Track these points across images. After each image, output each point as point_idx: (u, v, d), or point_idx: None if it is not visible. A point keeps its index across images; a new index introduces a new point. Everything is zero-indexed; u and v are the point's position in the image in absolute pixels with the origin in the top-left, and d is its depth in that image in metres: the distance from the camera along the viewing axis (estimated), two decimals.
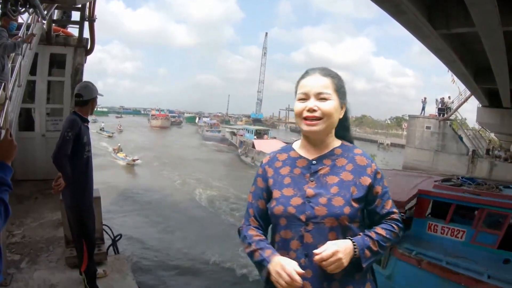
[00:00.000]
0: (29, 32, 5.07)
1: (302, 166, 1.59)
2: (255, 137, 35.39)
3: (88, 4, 7.22)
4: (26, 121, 7.33)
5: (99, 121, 60.15)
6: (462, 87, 22.95)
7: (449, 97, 26.28)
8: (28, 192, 6.36)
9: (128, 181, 22.50)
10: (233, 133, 42.09)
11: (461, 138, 24.42)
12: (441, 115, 25.64)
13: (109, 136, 46.06)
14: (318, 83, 1.54)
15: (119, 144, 30.45)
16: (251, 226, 1.65)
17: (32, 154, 7.00)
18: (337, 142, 1.63)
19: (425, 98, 27.56)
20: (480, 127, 27.22)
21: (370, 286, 1.55)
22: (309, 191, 1.50)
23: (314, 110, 1.50)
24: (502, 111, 22.31)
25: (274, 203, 1.55)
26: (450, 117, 25.39)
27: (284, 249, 1.51)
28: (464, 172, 21.97)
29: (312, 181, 1.53)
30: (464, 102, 24.94)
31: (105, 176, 19.21)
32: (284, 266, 1.38)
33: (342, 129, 1.66)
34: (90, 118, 3.57)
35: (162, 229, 13.20)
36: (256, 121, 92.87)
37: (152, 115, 72.78)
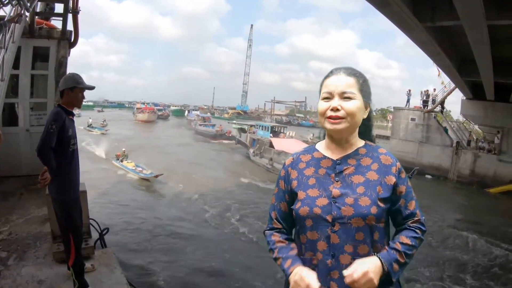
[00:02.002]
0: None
1: (326, 167, 1.58)
2: (271, 135, 29.80)
3: None
4: (9, 116, 7.20)
5: (83, 115, 56.84)
6: (447, 79, 23.20)
7: (434, 90, 26.63)
8: (13, 188, 6.26)
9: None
10: (242, 130, 36.01)
11: (446, 130, 24.73)
12: (426, 107, 25.96)
13: (103, 134, 39.88)
14: (343, 82, 1.54)
15: (123, 149, 23.18)
16: (274, 231, 1.67)
17: (16, 150, 6.88)
18: (360, 142, 1.63)
19: (409, 90, 27.89)
20: (464, 119, 27.52)
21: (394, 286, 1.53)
22: (335, 191, 1.50)
23: (338, 110, 1.50)
24: (485, 103, 22.65)
25: (299, 204, 1.55)
26: (435, 109, 25.70)
27: (311, 250, 1.52)
28: (448, 164, 22.29)
29: (337, 181, 1.53)
30: (448, 94, 25.32)
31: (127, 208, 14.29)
32: (302, 278, 1.42)
33: (365, 129, 1.66)
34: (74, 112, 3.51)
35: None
36: (242, 113, 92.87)
37: (137, 108, 69.16)
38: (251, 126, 34.62)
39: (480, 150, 23.29)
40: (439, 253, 11.65)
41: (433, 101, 26.04)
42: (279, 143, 26.42)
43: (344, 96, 1.50)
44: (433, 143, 24.73)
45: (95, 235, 4.93)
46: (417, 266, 10.01)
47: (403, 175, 1.56)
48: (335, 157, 1.58)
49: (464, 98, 24.56)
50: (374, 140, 1.70)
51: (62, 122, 3.23)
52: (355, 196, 1.47)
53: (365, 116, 1.59)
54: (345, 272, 1.39)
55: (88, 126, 43.54)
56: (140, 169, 20.61)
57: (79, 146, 3.71)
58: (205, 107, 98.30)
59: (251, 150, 28.79)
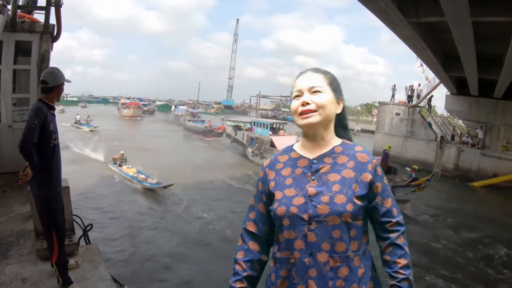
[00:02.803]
0: None
1: (303, 166, 1.59)
2: (271, 132, 27.34)
3: None
4: None
5: (67, 111, 55.49)
6: (431, 75, 23.45)
7: (418, 85, 26.92)
8: None
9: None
10: (238, 127, 33.42)
11: (430, 125, 25.03)
12: (410, 102, 26.24)
13: (91, 131, 38.05)
14: (310, 78, 1.58)
15: (122, 152, 20.61)
16: (245, 243, 1.69)
17: None
18: (337, 141, 1.64)
19: (394, 85, 28.25)
20: (449, 114, 27.84)
21: (373, 284, 1.56)
22: (311, 190, 1.51)
23: (308, 103, 1.52)
24: (469, 99, 23.04)
25: (277, 204, 1.56)
26: (420, 104, 25.99)
27: (288, 250, 1.53)
28: (433, 158, 22.55)
29: (313, 180, 1.54)
30: (432, 90, 25.64)
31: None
32: None
33: (340, 128, 1.69)
34: (57, 108, 3.48)
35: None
36: (227, 108, 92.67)
37: (122, 103, 66.34)
38: (246, 123, 32.45)
39: (464, 144, 23.71)
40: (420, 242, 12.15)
41: (418, 96, 26.37)
42: (281, 142, 24.07)
43: (313, 91, 1.54)
44: (418, 138, 25.10)
45: (79, 231, 4.88)
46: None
47: (380, 172, 1.58)
48: (311, 156, 1.60)
49: (449, 93, 24.89)
50: (351, 138, 1.72)
51: (44, 117, 3.19)
52: (330, 194, 1.48)
53: (338, 111, 1.62)
54: None
55: (76, 122, 41.78)
56: (144, 176, 18.02)
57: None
58: (190, 101, 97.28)
59: (250, 150, 27.29)
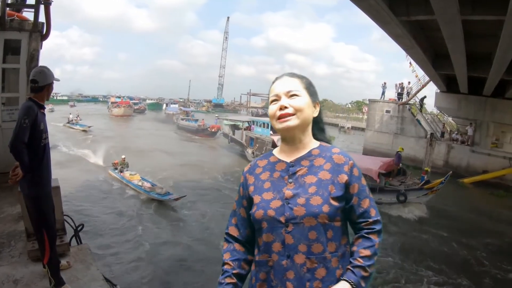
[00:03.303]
0: None
1: (281, 169, 1.62)
2: (271, 132, 25.17)
3: None
4: None
5: (56, 110, 54.77)
6: (421, 73, 23.58)
7: (408, 83, 27.10)
8: None
9: None
10: (235, 127, 31.99)
11: (419, 122, 25.22)
12: (400, 99, 26.39)
13: (85, 131, 36.43)
14: (287, 83, 1.61)
15: (123, 156, 18.76)
16: (230, 244, 1.71)
17: None
18: (315, 143, 1.66)
19: (385, 83, 28.52)
20: (438, 111, 28.04)
21: None
22: (288, 192, 1.53)
23: (286, 107, 1.55)
24: (459, 96, 23.23)
25: (255, 208, 1.58)
26: (409, 102, 26.14)
27: (266, 252, 1.55)
28: (423, 155, 22.72)
29: (290, 183, 1.56)
30: (422, 87, 25.84)
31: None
32: None
33: (318, 131, 1.71)
34: (47, 107, 3.46)
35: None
36: (218, 106, 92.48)
37: (112, 102, 64.59)
38: (244, 122, 30.46)
39: (453, 141, 23.94)
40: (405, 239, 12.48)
41: (408, 93, 26.54)
42: None
43: (290, 95, 1.57)
44: (408, 135, 25.29)
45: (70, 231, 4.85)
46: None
47: (356, 173, 1.59)
48: (289, 159, 1.62)
49: (438, 91, 25.04)
50: (329, 141, 1.74)
51: (35, 116, 3.18)
52: (306, 196, 1.50)
53: (315, 115, 1.65)
54: None
55: (69, 122, 40.37)
56: (149, 185, 16.06)
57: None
58: (181, 100, 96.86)
59: (249, 150, 25.99)
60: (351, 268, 1.49)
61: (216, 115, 45.13)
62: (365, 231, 1.55)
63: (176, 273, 9.57)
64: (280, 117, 1.56)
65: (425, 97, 27.76)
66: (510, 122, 21.44)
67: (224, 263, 1.66)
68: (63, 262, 3.81)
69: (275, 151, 1.71)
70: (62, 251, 4.05)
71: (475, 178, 20.81)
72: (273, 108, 1.58)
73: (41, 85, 3.32)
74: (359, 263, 1.49)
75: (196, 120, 43.44)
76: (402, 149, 18.62)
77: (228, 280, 1.61)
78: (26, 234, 4.13)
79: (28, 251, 3.97)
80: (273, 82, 1.65)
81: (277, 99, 1.59)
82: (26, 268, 3.77)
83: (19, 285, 3.50)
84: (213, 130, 38.06)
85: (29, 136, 3.13)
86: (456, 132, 25.67)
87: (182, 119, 45.20)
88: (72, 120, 40.68)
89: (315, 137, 1.69)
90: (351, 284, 1.45)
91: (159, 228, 12.66)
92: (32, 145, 3.19)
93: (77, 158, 23.50)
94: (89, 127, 37.93)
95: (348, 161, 1.58)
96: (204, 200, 16.22)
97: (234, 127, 32.40)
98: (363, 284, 1.47)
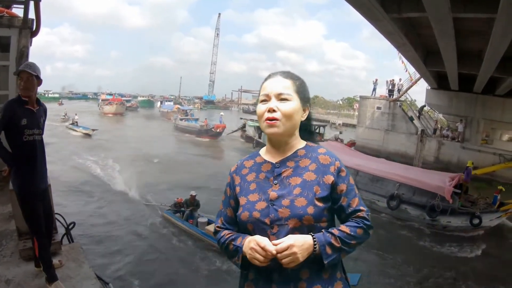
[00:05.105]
0: None
1: (266, 171, 1.61)
2: None
3: None
4: None
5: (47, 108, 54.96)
6: (412, 69, 23.71)
7: (399, 79, 27.22)
8: None
9: None
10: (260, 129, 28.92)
11: (411, 119, 25.37)
12: (391, 96, 26.53)
13: (88, 135, 31.54)
14: (279, 84, 1.57)
15: (193, 193, 12.30)
16: (222, 230, 1.68)
17: None
18: (301, 143, 1.65)
19: (376, 80, 28.65)
20: (429, 108, 28.23)
21: (342, 284, 1.56)
22: (273, 194, 1.53)
23: (274, 111, 1.53)
24: (450, 93, 23.47)
25: (241, 209, 1.58)
26: (400, 98, 26.29)
27: None
28: (414, 151, 22.85)
29: (276, 184, 1.56)
30: (413, 84, 25.93)
31: None
32: (257, 242, 1.43)
33: (306, 133, 1.70)
34: None
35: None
36: (209, 102, 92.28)
37: (102, 100, 60.74)
38: None
39: (444, 138, 24.16)
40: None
41: (399, 90, 26.68)
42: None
43: (280, 98, 1.54)
44: (399, 131, 25.49)
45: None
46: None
47: (344, 173, 1.58)
48: (274, 160, 1.62)
49: (429, 88, 25.19)
50: (316, 140, 1.73)
51: (11, 112, 3.15)
52: (291, 198, 1.49)
53: (303, 119, 1.63)
54: (273, 242, 1.42)
55: (72, 124, 35.56)
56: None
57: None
58: (172, 97, 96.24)
59: None
60: (323, 231, 1.49)
61: (221, 113, 40.02)
62: (354, 218, 1.55)
63: (170, 271, 9.54)
64: (267, 119, 1.54)
65: (424, 106, 28.17)
66: (500, 119, 21.75)
67: (225, 235, 1.64)
68: (55, 261, 3.76)
69: (262, 151, 1.71)
70: (53, 249, 4.00)
71: None
72: (261, 108, 1.56)
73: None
74: (333, 232, 1.48)
75: (197, 120, 40.19)
76: (472, 163, 17.05)
77: (228, 234, 1.63)
78: (17, 234, 4.09)
79: (20, 250, 3.93)
80: (266, 79, 1.62)
81: (266, 99, 1.56)
82: (18, 267, 3.74)
83: (11, 285, 3.47)
84: (218, 130, 33.88)
85: (8, 131, 3.15)
86: (446, 129, 25.89)
87: (181, 119, 40.73)
88: (76, 122, 35.71)
89: (302, 137, 1.67)
90: (314, 241, 1.44)
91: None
92: (13, 141, 3.20)
93: (97, 182, 17.31)
94: (93, 130, 32.48)
95: (334, 161, 1.57)
96: None
97: (261, 130, 28.88)
98: (328, 251, 1.44)
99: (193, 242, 11.07)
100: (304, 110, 1.62)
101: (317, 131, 26.86)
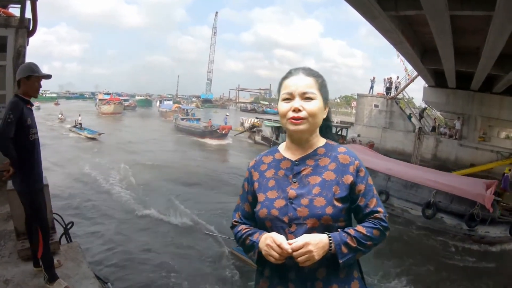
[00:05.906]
0: None
1: (285, 168, 1.60)
2: None
3: None
4: None
5: (42, 107, 52.95)
6: (410, 67, 23.72)
7: (397, 77, 27.23)
8: None
9: None
10: (280, 129, 26.55)
11: (409, 117, 25.43)
12: (389, 94, 26.58)
13: (93, 139, 28.55)
14: (302, 82, 1.55)
15: None
16: (239, 224, 1.69)
17: None
18: (321, 142, 1.64)
19: (374, 78, 28.87)
20: (427, 105, 28.28)
21: (358, 284, 1.56)
22: (292, 192, 1.52)
23: (300, 110, 1.51)
24: (447, 91, 23.51)
25: (259, 206, 1.57)
26: (397, 96, 26.33)
27: None
28: (411, 148, 22.92)
29: (294, 182, 1.55)
30: (411, 82, 26.01)
31: None
32: (274, 239, 1.43)
33: (326, 129, 1.69)
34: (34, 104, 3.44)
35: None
36: (207, 101, 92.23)
37: (100, 99, 59.42)
38: None
39: (441, 135, 24.20)
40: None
41: (396, 88, 26.72)
42: None
43: (305, 97, 1.53)
44: (396, 129, 25.55)
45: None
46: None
47: (362, 173, 1.56)
48: (294, 158, 1.61)
49: (427, 85, 25.23)
50: (336, 139, 1.72)
51: (20, 112, 3.18)
52: (310, 197, 1.49)
53: (324, 116, 1.62)
54: (288, 241, 1.42)
55: (75, 126, 32.55)
56: None
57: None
58: (169, 96, 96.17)
59: None
60: (339, 230, 1.48)
61: (227, 114, 38.74)
62: (371, 219, 1.54)
63: (169, 270, 9.52)
64: (292, 118, 1.52)
65: (425, 108, 28.26)
66: (498, 116, 21.83)
67: (242, 230, 1.64)
68: (54, 260, 3.77)
69: (281, 147, 1.70)
70: (52, 249, 3.99)
71: (462, 171, 20.97)
72: (285, 107, 1.54)
73: (16, 80, 3.34)
74: (349, 231, 1.47)
75: (198, 120, 38.75)
76: (510, 170, 16.48)
77: (245, 229, 1.63)
78: (15, 234, 4.08)
79: (18, 250, 3.92)
80: (287, 77, 1.59)
81: (290, 98, 1.54)
82: (16, 267, 3.73)
83: (10, 285, 3.47)
84: (224, 131, 31.73)
85: (16, 131, 3.15)
86: (444, 126, 25.94)
87: (182, 119, 38.75)
88: (80, 124, 32.58)
89: (322, 135, 1.67)
90: (329, 240, 1.43)
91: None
92: (20, 140, 3.20)
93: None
94: (99, 134, 29.54)
95: (354, 161, 1.56)
96: None
97: (278, 130, 27.31)
98: (344, 251, 1.43)
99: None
100: (325, 108, 1.61)
101: (339, 133, 26.45)
